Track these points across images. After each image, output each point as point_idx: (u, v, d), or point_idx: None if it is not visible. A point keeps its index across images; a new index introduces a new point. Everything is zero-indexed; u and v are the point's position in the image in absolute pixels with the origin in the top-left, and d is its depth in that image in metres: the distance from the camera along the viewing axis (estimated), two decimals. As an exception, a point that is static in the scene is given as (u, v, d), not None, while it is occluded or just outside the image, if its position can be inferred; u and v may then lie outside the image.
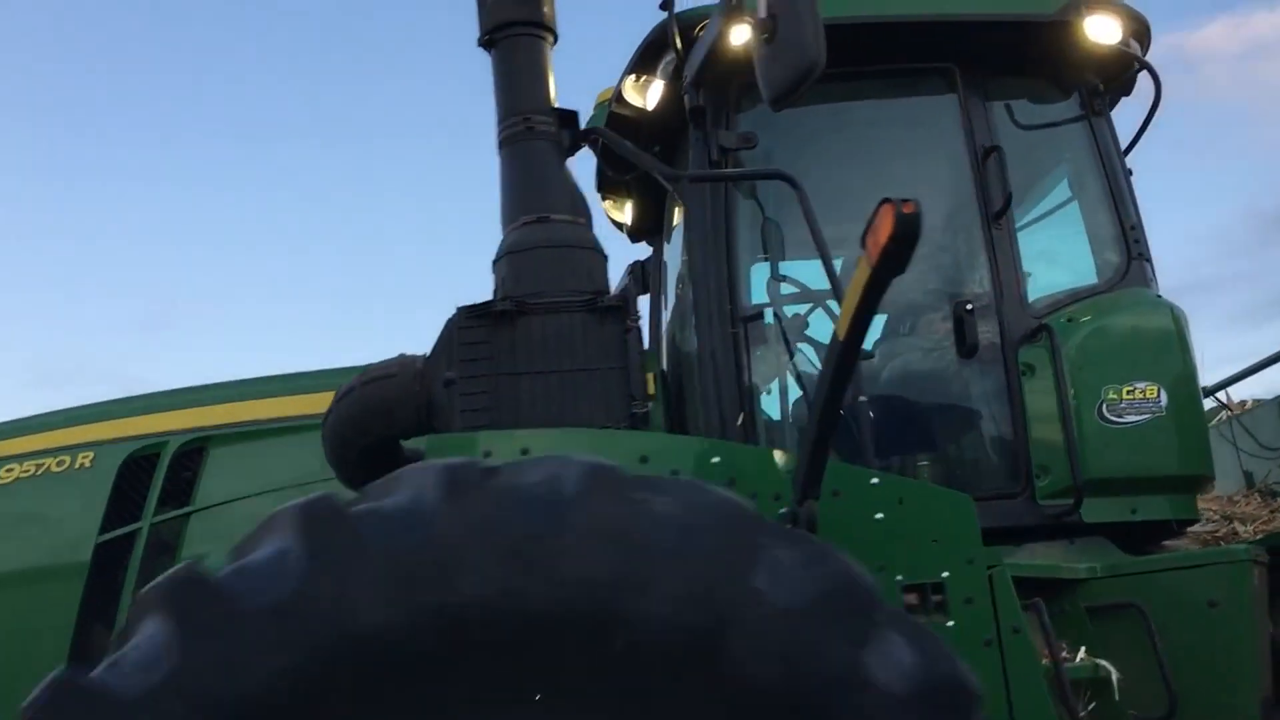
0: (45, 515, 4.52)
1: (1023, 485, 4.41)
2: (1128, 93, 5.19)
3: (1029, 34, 4.74)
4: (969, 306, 4.44)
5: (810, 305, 4.62)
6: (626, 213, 5.97)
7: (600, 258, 4.05)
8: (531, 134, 4.12)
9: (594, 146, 4.08)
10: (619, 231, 6.10)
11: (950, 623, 3.58)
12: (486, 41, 4.20)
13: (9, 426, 4.66)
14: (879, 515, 3.63)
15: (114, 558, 4.41)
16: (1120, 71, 4.95)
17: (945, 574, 3.60)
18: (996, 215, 4.60)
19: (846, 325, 3.07)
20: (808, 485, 3.41)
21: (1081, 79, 4.88)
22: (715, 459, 3.63)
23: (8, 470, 4.52)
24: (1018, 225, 4.85)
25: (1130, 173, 4.97)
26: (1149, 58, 5.00)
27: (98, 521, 4.43)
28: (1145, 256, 4.76)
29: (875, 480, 3.70)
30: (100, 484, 4.49)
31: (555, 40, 4.32)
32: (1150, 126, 5.12)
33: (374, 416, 3.85)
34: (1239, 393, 7.16)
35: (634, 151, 4.01)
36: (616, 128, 4.94)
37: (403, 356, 3.95)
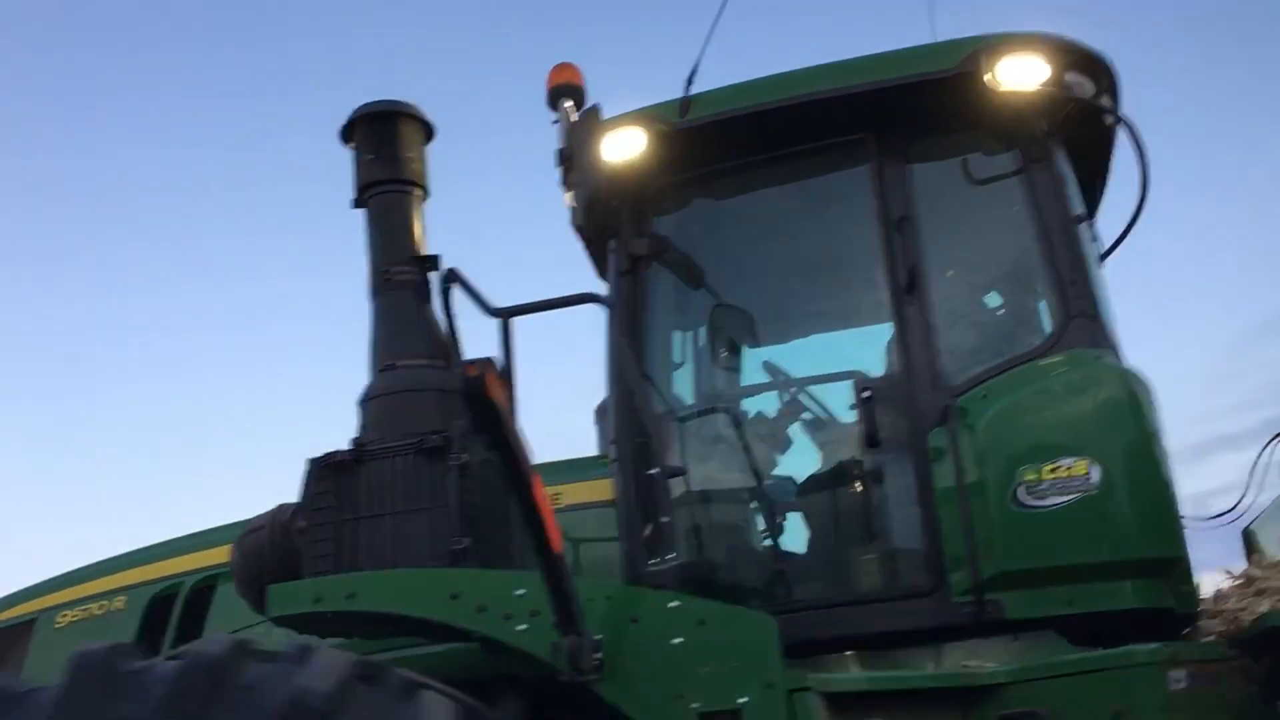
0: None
1: (936, 582, 4.09)
2: (1108, 137, 4.73)
3: (938, 92, 4.45)
4: (866, 394, 4.20)
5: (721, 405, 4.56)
6: None
7: (445, 397, 4.22)
8: (389, 285, 4.37)
9: (445, 290, 4.27)
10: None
11: (746, 752, 3.44)
12: (357, 202, 4.52)
13: (64, 578, 5.46)
14: (677, 640, 3.56)
15: None
16: (1060, 113, 4.52)
17: (743, 700, 3.46)
18: (907, 288, 4.34)
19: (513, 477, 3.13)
20: (563, 622, 3.44)
21: (1007, 128, 4.50)
22: (520, 591, 3.70)
23: (63, 616, 5.30)
24: (959, 291, 4.56)
25: (1081, 220, 4.50)
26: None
27: (128, 657, 5.09)
28: (1089, 314, 4.28)
29: (674, 604, 3.63)
30: (131, 623, 5.15)
31: (426, 194, 4.57)
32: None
33: (252, 567, 4.23)
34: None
35: (476, 298, 4.17)
36: None
37: (278, 507, 4.31)
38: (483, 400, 2.84)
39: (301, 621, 4.02)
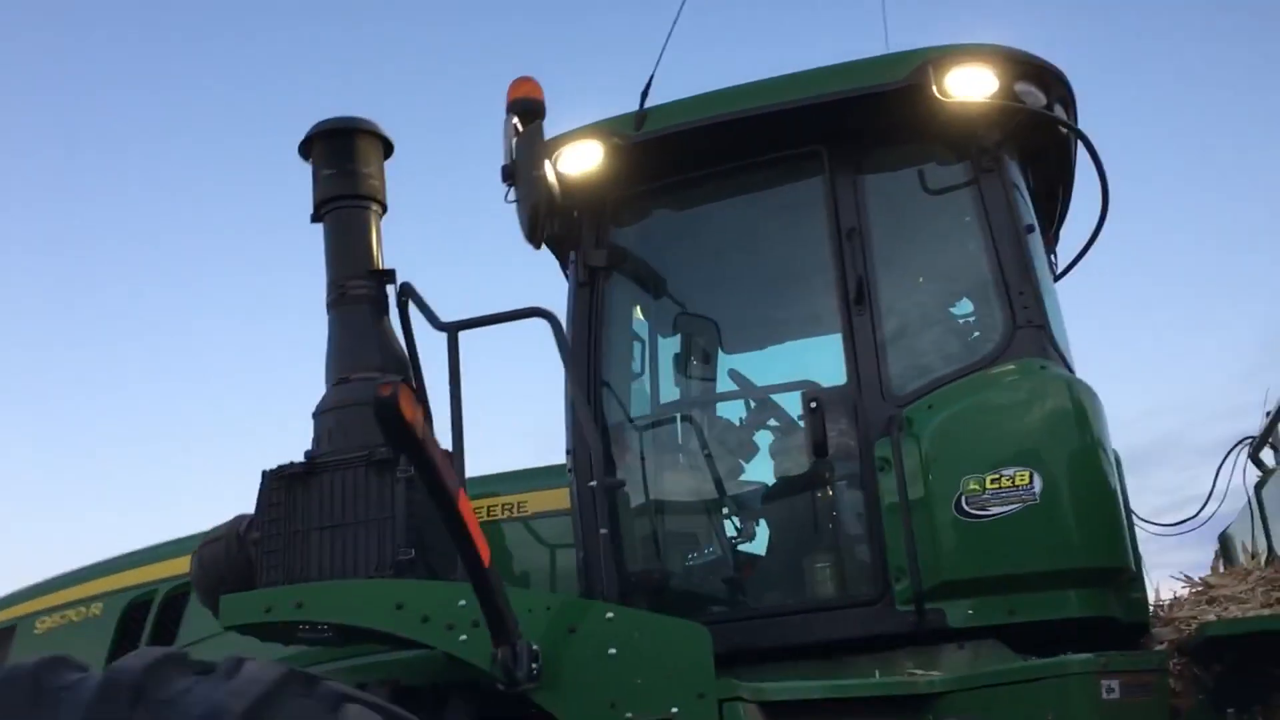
0: (68, 659, 5.36)
1: (882, 591, 4.13)
2: (1065, 146, 4.76)
3: (887, 104, 4.48)
4: (813, 405, 4.24)
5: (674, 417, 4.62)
6: None
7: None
8: (344, 299, 4.46)
9: (402, 304, 4.35)
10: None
11: (679, 760, 3.50)
12: (315, 217, 4.61)
13: (44, 585, 5.59)
14: (612, 650, 3.63)
15: None
16: (1010, 123, 4.53)
17: (675, 709, 3.52)
18: (855, 299, 4.38)
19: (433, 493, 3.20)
20: (495, 633, 3.52)
21: (957, 139, 4.52)
22: (462, 602, 3.77)
23: (42, 622, 5.43)
24: (910, 302, 4.59)
25: (1032, 229, 4.52)
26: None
27: (103, 661, 5.20)
28: (1036, 324, 4.30)
29: (610, 615, 3.70)
30: (107, 629, 5.27)
31: (384, 209, 4.65)
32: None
33: (211, 576, 4.33)
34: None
35: (427, 312, 4.25)
36: None
37: (236, 517, 4.40)
38: (395, 419, 2.91)
39: (259, 630, 4.12)
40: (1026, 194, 4.76)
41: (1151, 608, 4.69)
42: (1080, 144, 4.64)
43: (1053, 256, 5.38)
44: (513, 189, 4.15)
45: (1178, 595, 4.76)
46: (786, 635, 4.16)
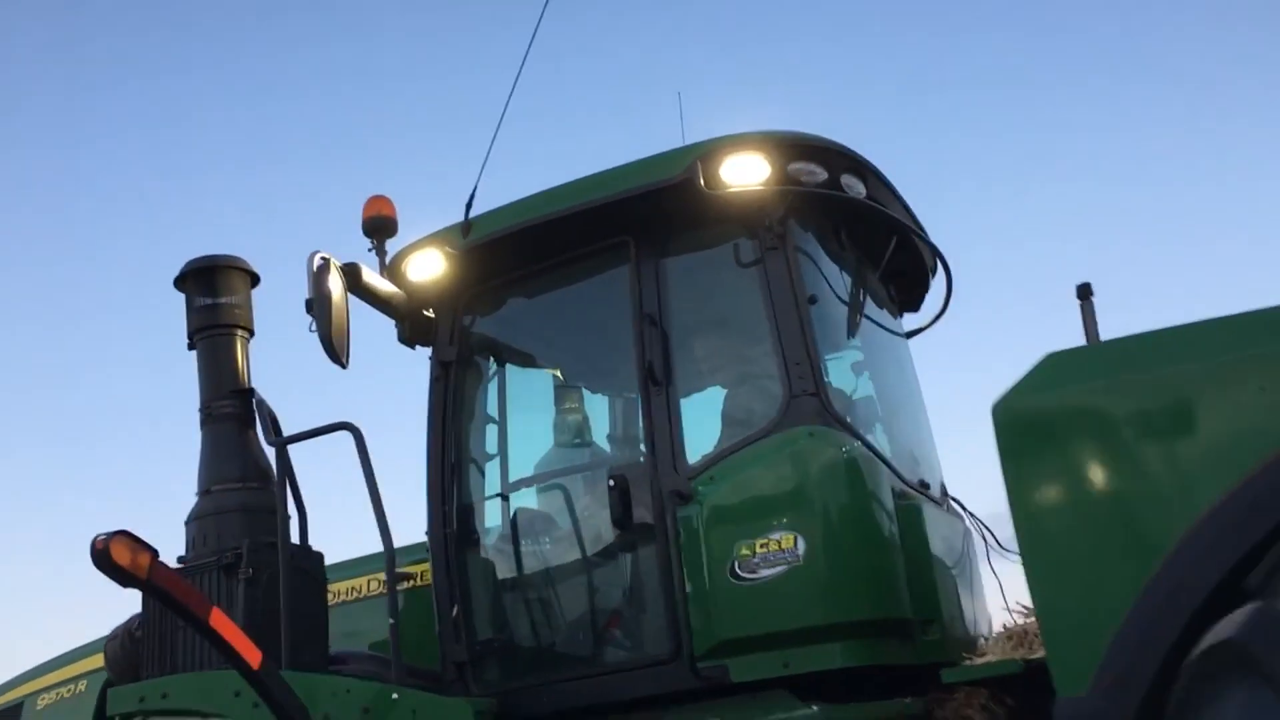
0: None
1: (675, 650, 4.52)
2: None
3: (672, 196, 4.85)
4: (611, 481, 4.66)
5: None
6: None
7: (249, 516, 4.90)
8: (210, 418, 5.12)
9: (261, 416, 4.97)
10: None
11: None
12: (189, 344, 5.27)
13: (47, 664, 6.42)
14: (396, 727, 4.17)
15: None
16: (790, 202, 4.83)
17: (443, 779, 4.05)
18: (652, 380, 4.77)
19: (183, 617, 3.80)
20: (278, 715, 4.10)
21: (737, 223, 4.86)
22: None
23: (42, 699, 6.26)
24: (704, 379, 4.98)
25: (814, 300, 4.80)
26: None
27: (88, 733, 6.01)
28: (810, 392, 4.61)
29: (395, 695, 4.24)
30: (88, 706, 6.05)
31: (251, 334, 5.29)
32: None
33: (114, 669, 5.04)
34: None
35: (266, 425, 4.88)
36: None
37: (130, 617, 5.10)
38: (111, 567, 3.52)
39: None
40: (835, 263, 5.07)
41: (988, 640, 4.96)
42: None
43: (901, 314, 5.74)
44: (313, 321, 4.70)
45: (1008, 627, 4.98)
46: (591, 695, 4.61)
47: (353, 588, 5.69)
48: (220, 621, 3.85)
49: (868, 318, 5.38)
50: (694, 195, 4.78)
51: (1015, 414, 3.51)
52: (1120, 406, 3.44)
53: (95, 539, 3.56)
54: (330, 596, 5.07)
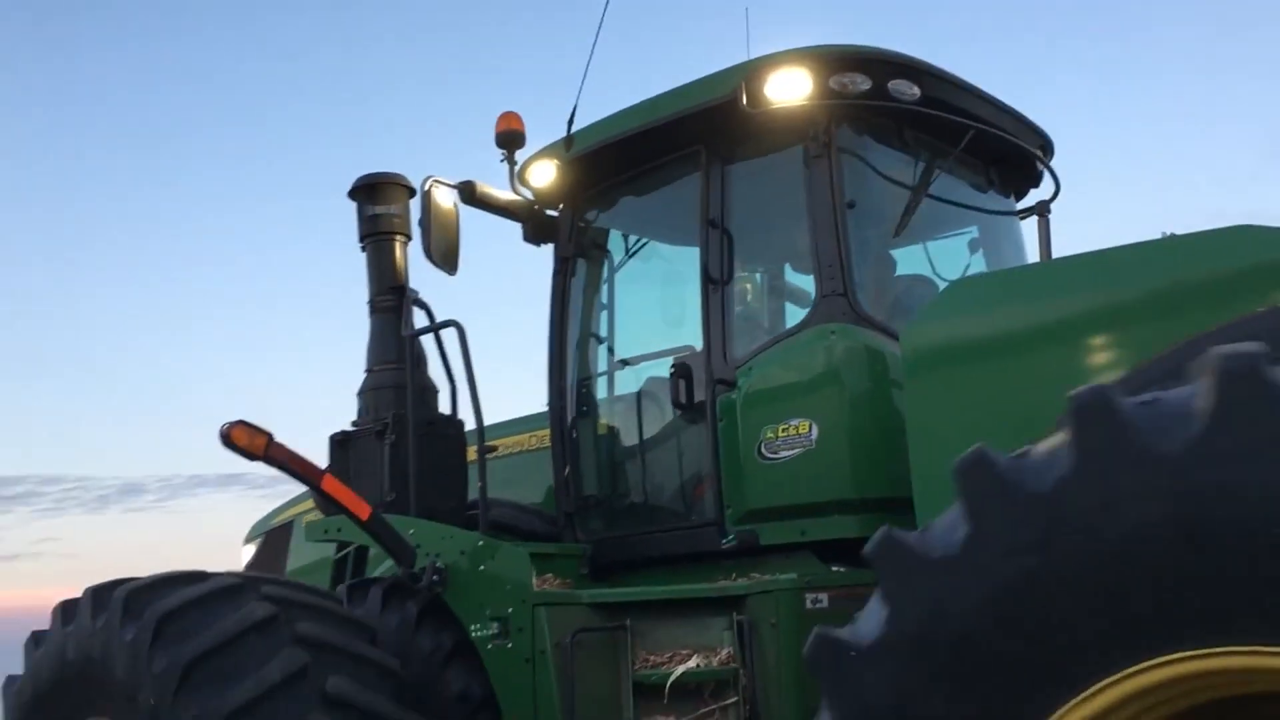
0: None
1: (719, 514, 5.30)
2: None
3: (726, 112, 5.36)
4: (672, 369, 5.43)
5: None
6: None
7: (398, 392, 6.01)
8: (375, 310, 6.26)
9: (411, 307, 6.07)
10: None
11: (509, 644, 5.10)
12: (361, 246, 6.39)
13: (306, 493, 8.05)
14: (482, 567, 5.28)
15: None
16: (835, 112, 5.21)
17: (510, 610, 5.12)
18: (711, 280, 5.42)
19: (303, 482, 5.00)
20: (396, 559, 5.30)
21: (784, 133, 5.31)
22: (410, 531, 5.55)
23: (307, 519, 7.89)
24: (757, 279, 5.55)
25: (852, 205, 5.20)
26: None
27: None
28: (838, 292, 5.09)
29: (480, 543, 5.32)
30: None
31: (409, 239, 6.34)
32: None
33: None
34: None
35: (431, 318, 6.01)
36: None
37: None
38: (234, 447, 4.71)
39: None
40: (907, 158, 5.42)
41: None
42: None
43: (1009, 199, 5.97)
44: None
45: None
46: (657, 548, 5.51)
47: (517, 442, 6.77)
48: (331, 485, 5.04)
49: (957, 204, 5.66)
50: (741, 111, 5.27)
51: (918, 340, 3.97)
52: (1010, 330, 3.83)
53: (221, 426, 4.76)
54: (500, 450, 6.18)
